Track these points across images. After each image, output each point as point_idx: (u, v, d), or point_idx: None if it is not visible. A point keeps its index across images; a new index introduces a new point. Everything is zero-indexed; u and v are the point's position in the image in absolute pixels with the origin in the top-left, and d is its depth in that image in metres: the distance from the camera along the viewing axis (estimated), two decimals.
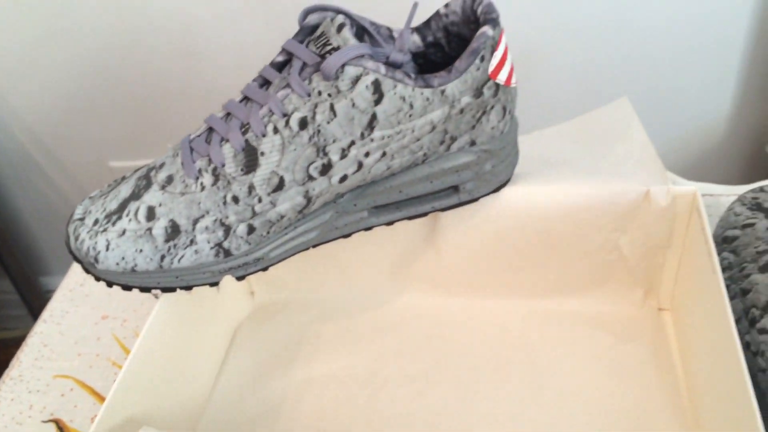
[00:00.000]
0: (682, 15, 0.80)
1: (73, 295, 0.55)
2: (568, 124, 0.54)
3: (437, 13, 0.40)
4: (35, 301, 1.19)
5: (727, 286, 0.43)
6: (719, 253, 0.45)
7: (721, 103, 0.88)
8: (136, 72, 0.93)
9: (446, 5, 0.40)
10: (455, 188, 0.41)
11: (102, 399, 0.47)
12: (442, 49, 0.41)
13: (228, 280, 0.49)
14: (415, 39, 0.41)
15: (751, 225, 0.45)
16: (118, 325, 0.52)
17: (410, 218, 0.42)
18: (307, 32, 0.38)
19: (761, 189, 0.49)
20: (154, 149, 0.99)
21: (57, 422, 0.46)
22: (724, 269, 0.44)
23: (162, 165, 0.38)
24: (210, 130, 0.38)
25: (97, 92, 0.95)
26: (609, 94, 0.82)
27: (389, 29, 0.40)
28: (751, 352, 0.39)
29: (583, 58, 0.84)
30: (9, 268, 1.13)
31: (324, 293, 0.51)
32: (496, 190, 0.43)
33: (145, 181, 0.38)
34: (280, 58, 0.38)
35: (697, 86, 0.86)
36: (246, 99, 0.38)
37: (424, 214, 0.42)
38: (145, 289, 0.38)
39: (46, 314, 0.54)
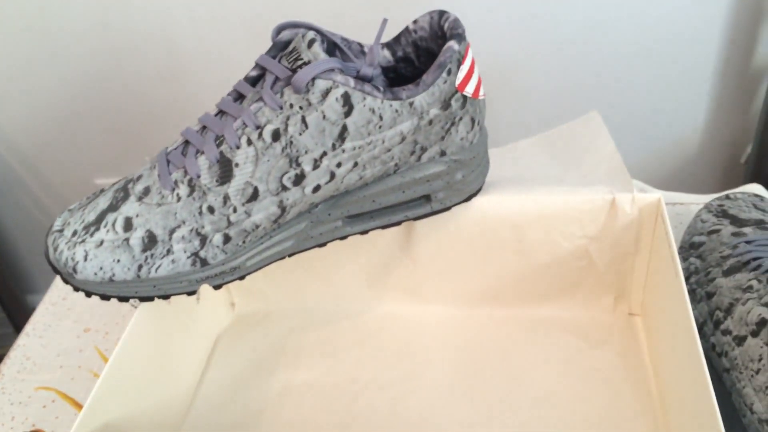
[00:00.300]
0: (655, 28, 0.82)
1: (56, 309, 0.56)
2: (540, 137, 0.55)
3: (406, 29, 0.42)
4: (21, 319, 1.18)
5: (693, 290, 0.44)
6: (686, 259, 0.47)
7: (695, 115, 0.90)
8: (121, 91, 0.94)
9: (415, 21, 0.41)
10: (427, 197, 0.42)
11: None
12: (412, 64, 0.43)
13: (208, 292, 0.50)
14: (386, 54, 0.42)
15: (717, 231, 0.46)
16: (100, 338, 0.53)
17: (384, 227, 0.43)
18: (280, 48, 0.39)
19: (727, 196, 0.50)
20: (139, 166, 1.00)
21: None
22: (690, 274, 0.45)
23: (139, 177, 0.40)
24: (186, 142, 0.39)
25: (82, 110, 0.96)
26: (583, 109, 0.84)
27: (360, 44, 0.41)
28: (716, 353, 0.40)
29: (557, 72, 0.86)
30: None
31: (303, 304, 0.52)
32: (468, 199, 0.44)
33: (123, 193, 0.39)
34: (254, 73, 0.39)
35: (672, 99, 0.88)
36: (221, 112, 0.39)
37: (398, 223, 0.43)
38: (123, 299, 0.39)
39: (28, 327, 0.54)
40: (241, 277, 0.41)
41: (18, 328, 1.18)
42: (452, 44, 0.38)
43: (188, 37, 0.88)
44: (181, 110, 0.95)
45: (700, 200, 0.57)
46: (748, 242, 0.43)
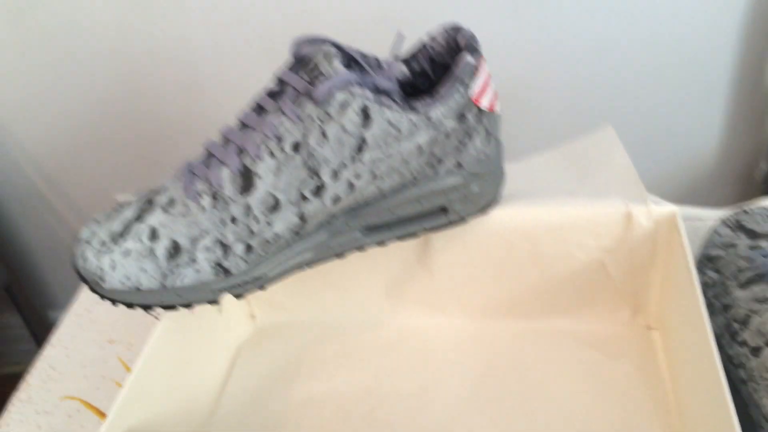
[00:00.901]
0: (670, 45, 0.83)
1: (80, 320, 0.57)
2: (555, 151, 0.56)
3: (422, 45, 0.43)
4: (44, 336, 1.20)
5: (711, 303, 0.44)
6: (703, 272, 0.47)
7: (709, 132, 0.90)
8: (141, 107, 0.96)
9: (431, 37, 0.42)
10: (444, 209, 0.43)
11: None
12: (428, 78, 0.44)
13: (229, 304, 0.50)
14: (403, 68, 0.43)
15: (733, 245, 0.46)
16: (123, 349, 0.54)
17: (401, 238, 0.44)
18: (299, 62, 0.40)
19: (743, 211, 0.50)
20: (160, 182, 1.01)
21: None
22: (707, 287, 0.45)
23: (164, 189, 0.41)
24: (209, 155, 0.40)
25: (104, 126, 0.98)
26: (597, 121, 0.84)
27: (377, 59, 0.42)
28: (733, 364, 0.40)
29: (571, 90, 0.87)
30: (19, 304, 1.15)
31: (322, 316, 0.53)
32: (484, 211, 0.44)
33: (148, 204, 0.40)
34: (274, 87, 0.40)
35: (686, 116, 0.88)
36: (242, 125, 0.40)
37: (415, 235, 0.44)
38: (147, 307, 0.40)
39: (53, 338, 0.55)
40: (262, 287, 0.42)
41: (40, 343, 1.20)
42: (466, 57, 0.39)
43: (207, 55, 0.90)
44: (200, 127, 0.97)
45: (716, 215, 0.57)
46: (765, 255, 0.43)
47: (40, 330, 1.19)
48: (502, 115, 0.51)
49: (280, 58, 0.88)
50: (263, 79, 0.89)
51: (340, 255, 0.43)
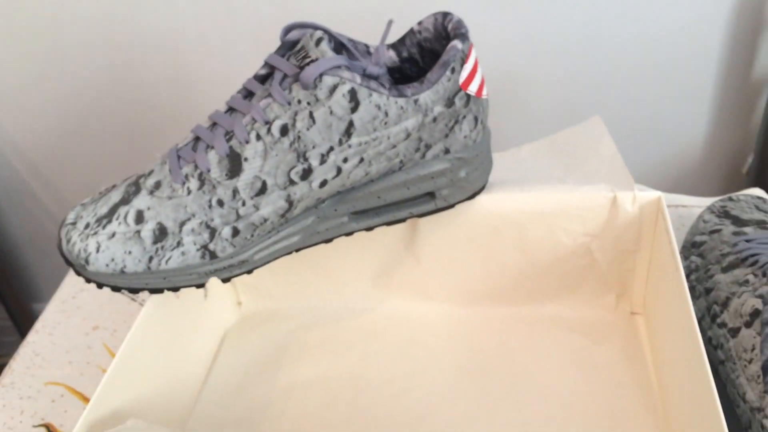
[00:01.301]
0: (658, 39, 0.83)
1: (65, 307, 0.56)
2: (543, 141, 0.56)
3: (411, 30, 0.43)
4: (27, 328, 1.19)
5: (693, 287, 0.45)
6: (687, 257, 0.47)
7: (697, 125, 0.91)
8: (127, 98, 0.95)
9: (419, 23, 0.42)
10: (431, 194, 0.43)
11: None
12: (417, 64, 0.44)
13: (215, 289, 0.50)
14: (391, 54, 0.43)
15: (718, 231, 0.47)
16: (108, 335, 0.54)
17: (389, 224, 0.44)
18: (288, 47, 0.40)
19: (729, 198, 0.51)
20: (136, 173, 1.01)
21: (47, 427, 0.47)
22: (690, 272, 0.46)
23: (151, 172, 0.41)
24: (196, 138, 0.40)
25: (89, 117, 0.97)
26: (585, 118, 0.85)
27: (366, 45, 0.42)
28: (712, 345, 0.41)
29: (560, 82, 0.87)
30: (3, 295, 1.14)
31: (308, 302, 0.53)
32: (471, 197, 0.45)
33: (135, 187, 0.40)
34: (263, 71, 0.40)
35: (674, 109, 0.89)
36: (230, 109, 0.40)
37: (402, 220, 0.44)
38: (133, 291, 0.40)
39: (38, 325, 0.55)
40: (249, 271, 0.42)
41: (23, 336, 1.19)
42: (456, 43, 0.39)
43: (194, 46, 0.89)
44: (188, 118, 0.97)
45: (702, 203, 0.57)
46: (748, 240, 0.44)
47: (24, 322, 1.18)
48: (490, 102, 0.51)
49: (268, 49, 0.88)
50: (251, 70, 0.89)
51: (327, 240, 0.43)
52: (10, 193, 1.07)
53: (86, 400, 0.48)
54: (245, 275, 0.43)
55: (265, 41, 0.87)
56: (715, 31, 0.83)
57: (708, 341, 0.41)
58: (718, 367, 0.40)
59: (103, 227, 0.39)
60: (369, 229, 0.44)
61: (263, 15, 0.85)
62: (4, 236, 1.14)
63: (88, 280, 0.40)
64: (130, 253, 0.39)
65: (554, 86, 0.88)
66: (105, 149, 1.01)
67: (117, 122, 0.98)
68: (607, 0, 0.81)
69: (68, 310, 0.56)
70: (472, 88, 0.41)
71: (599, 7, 0.81)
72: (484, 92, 0.42)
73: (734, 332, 0.38)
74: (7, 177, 1.05)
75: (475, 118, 0.42)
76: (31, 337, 0.54)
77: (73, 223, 0.40)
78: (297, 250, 0.43)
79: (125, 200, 0.40)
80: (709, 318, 0.41)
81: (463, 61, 0.39)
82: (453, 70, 0.39)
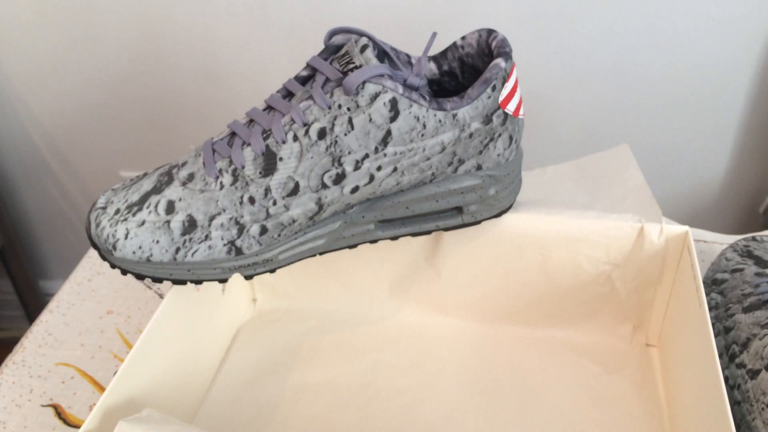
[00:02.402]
0: (685, 73, 0.83)
1: (81, 289, 0.57)
2: (569, 164, 0.56)
3: (454, 45, 0.43)
4: (33, 304, 1.20)
5: (712, 324, 0.44)
6: (708, 294, 0.47)
7: (718, 161, 0.91)
8: (155, 86, 0.96)
9: (463, 38, 0.43)
10: (459, 209, 0.43)
11: (102, 388, 0.48)
12: (456, 79, 0.44)
13: (231, 286, 0.50)
14: (432, 67, 0.43)
15: (740, 270, 0.47)
16: (122, 321, 0.54)
17: (414, 235, 0.44)
18: (332, 51, 0.40)
19: (753, 238, 0.51)
20: (165, 162, 1.01)
21: (56, 407, 0.47)
22: (710, 309, 0.46)
23: (184, 163, 0.41)
24: (233, 134, 0.40)
25: (115, 104, 0.98)
26: (609, 141, 0.85)
27: (408, 55, 0.43)
28: (728, 385, 0.40)
29: (585, 109, 0.87)
30: (11, 269, 1.15)
31: (324, 304, 0.53)
32: (498, 215, 0.45)
33: (167, 177, 0.40)
34: (304, 73, 0.40)
35: (696, 143, 0.89)
36: (269, 108, 0.40)
37: (428, 232, 0.44)
38: (157, 280, 0.40)
39: (52, 305, 0.55)
40: (272, 270, 0.42)
41: (28, 311, 1.19)
42: (499, 61, 0.39)
43: (226, 43, 0.90)
44: (214, 114, 0.97)
45: (724, 240, 0.57)
46: None
47: (29, 298, 1.19)
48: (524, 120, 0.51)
49: (298, 50, 0.88)
50: (280, 70, 0.90)
51: (352, 246, 0.44)
52: (29, 170, 1.08)
53: (96, 383, 0.49)
54: (266, 273, 0.43)
55: (297, 41, 0.88)
56: (744, 69, 0.83)
57: (725, 380, 0.41)
58: (733, 407, 0.40)
59: (134, 214, 0.39)
60: (394, 238, 0.44)
61: (296, 15, 0.86)
62: (18, 211, 1.15)
63: (113, 266, 0.40)
64: (157, 242, 0.39)
65: (580, 111, 0.88)
66: (126, 136, 1.01)
67: (141, 112, 0.98)
68: (639, 30, 0.81)
69: (83, 292, 0.56)
70: (511, 107, 0.41)
71: (632, 37, 0.81)
72: (521, 112, 0.42)
73: (753, 374, 0.38)
74: (26, 152, 1.06)
75: (510, 137, 0.42)
76: (45, 316, 0.54)
77: (104, 208, 0.40)
78: (321, 254, 0.43)
79: (157, 189, 0.40)
80: (727, 357, 0.41)
81: (505, 80, 0.40)
82: (494, 88, 0.39)
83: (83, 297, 0.56)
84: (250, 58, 0.91)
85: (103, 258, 0.40)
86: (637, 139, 0.89)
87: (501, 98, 0.40)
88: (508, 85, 0.40)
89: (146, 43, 0.91)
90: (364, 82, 0.37)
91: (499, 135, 0.41)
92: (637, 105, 0.86)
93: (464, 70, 0.43)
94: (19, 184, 1.10)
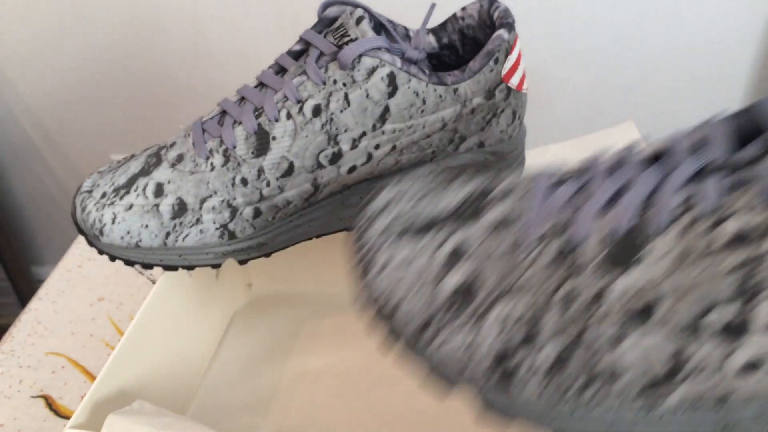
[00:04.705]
0: (690, 46, 0.82)
1: (71, 276, 0.55)
2: (571, 142, 0.55)
3: (453, 16, 0.41)
4: (25, 290, 1.18)
5: None
6: None
7: None
8: (144, 67, 0.93)
9: (463, 8, 0.41)
10: None
11: (93, 378, 0.47)
12: (456, 52, 0.42)
13: (225, 271, 0.49)
14: (431, 40, 0.41)
15: None
16: (113, 308, 0.52)
17: None
18: (326, 24, 0.38)
19: None
20: (156, 143, 0.99)
21: (46, 398, 0.45)
22: None
23: (173, 144, 0.39)
24: (223, 113, 0.39)
25: (104, 84, 0.96)
26: (612, 120, 0.83)
27: (405, 28, 0.41)
28: None
29: (590, 80, 0.85)
30: (2, 255, 1.13)
31: (322, 289, 0.51)
32: None
33: (155, 159, 0.39)
34: (297, 47, 0.39)
35: (701, 117, 0.87)
36: (261, 85, 0.38)
37: None
38: (147, 266, 0.38)
39: (41, 292, 0.54)
40: (267, 254, 0.40)
41: (21, 298, 1.17)
42: (502, 33, 0.37)
43: (216, 20, 0.87)
44: (205, 93, 0.95)
45: None
46: None
47: (22, 284, 1.17)
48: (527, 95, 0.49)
49: (291, 26, 0.86)
50: (273, 46, 0.87)
51: (350, 228, 0.42)
52: (17, 153, 1.05)
53: (87, 373, 0.47)
54: (263, 257, 0.41)
55: (288, 18, 0.85)
56: (748, 43, 0.81)
57: None
58: None
59: (121, 198, 0.37)
60: None
61: None
62: (7, 196, 1.13)
63: (101, 252, 0.38)
64: (146, 226, 0.37)
65: (582, 89, 0.86)
66: (116, 118, 0.99)
67: (131, 93, 0.96)
68: (642, 5, 0.79)
69: (73, 279, 0.55)
70: (514, 81, 0.39)
71: (634, 12, 0.79)
72: (525, 86, 0.40)
73: None
74: (15, 136, 1.03)
75: (514, 113, 0.40)
76: (34, 304, 0.53)
77: (89, 191, 0.38)
78: (318, 236, 0.42)
79: (145, 171, 0.38)
80: None
81: (508, 52, 0.38)
82: (496, 61, 0.37)
83: (73, 284, 0.54)
84: (242, 35, 0.88)
85: (90, 244, 0.39)
86: (640, 117, 0.87)
87: (504, 71, 0.38)
88: (511, 58, 0.38)
89: (135, 21, 0.89)
90: (360, 56, 0.35)
91: (502, 110, 0.39)
92: (641, 81, 0.84)
93: (465, 42, 0.41)
94: (8, 169, 1.08)
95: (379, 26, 0.39)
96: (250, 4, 0.85)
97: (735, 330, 0.22)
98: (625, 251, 0.23)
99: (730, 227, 0.22)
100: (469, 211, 0.27)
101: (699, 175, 0.24)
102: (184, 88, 0.95)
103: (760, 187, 0.22)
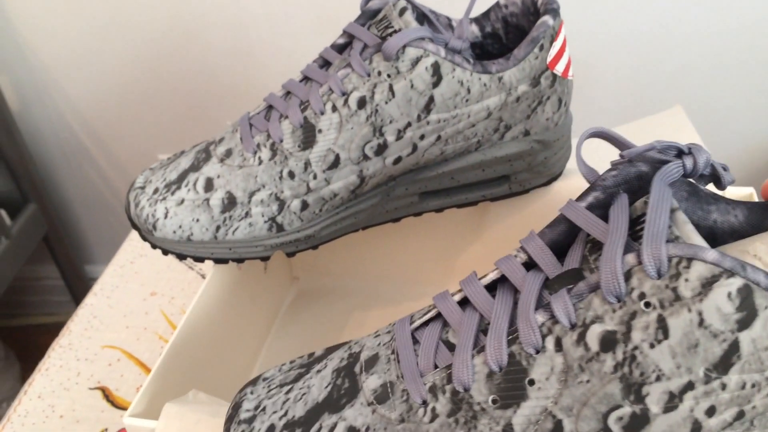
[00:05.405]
0: (738, 29, 0.79)
1: (124, 271, 0.56)
2: (622, 128, 0.54)
3: (497, 4, 0.41)
4: (79, 289, 1.22)
5: None
6: None
7: None
8: (187, 67, 0.95)
9: None
10: (506, 178, 0.41)
11: (148, 370, 0.48)
12: (500, 41, 0.42)
13: (272, 265, 0.50)
14: (474, 29, 0.41)
15: None
16: (165, 302, 0.53)
17: (460, 206, 0.42)
18: (369, 16, 0.38)
19: None
20: (205, 140, 1.01)
21: (103, 390, 0.47)
22: None
23: (221, 140, 0.40)
24: (269, 107, 0.39)
25: (150, 85, 0.98)
26: (657, 108, 0.81)
27: (448, 18, 0.40)
28: None
29: (635, 67, 0.84)
30: (56, 255, 1.16)
31: (367, 281, 0.52)
32: (548, 182, 0.43)
33: (205, 155, 0.39)
34: (341, 41, 0.39)
35: (751, 103, 0.85)
36: (306, 78, 0.39)
37: (475, 203, 0.42)
38: (198, 259, 0.39)
39: (96, 288, 0.55)
40: (314, 247, 0.41)
41: (75, 296, 1.21)
42: (546, 19, 0.37)
43: (258, 19, 0.88)
44: (248, 92, 0.96)
45: None
46: None
47: (75, 283, 1.20)
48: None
49: (330, 23, 0.86)
50: (312, 44, 0.88)
51: (395, 219, 0.42)
52: (68, 156, 1.08)
53: (142, 365, 0.48)
54: (311, 250, 0.41)
55: (329, 11, 0.86)
56: None
57: None
58: None
59: (172, 193, 0.38)
60: (439, 210, 0.42)
61: None
62: (60, 197, 1.16)
63: (154, 246, 0.39)
64: (197, 221, 0.38)
65: (627, 76, 0.84)
66: (163, 118, 1.01)
67: (177, 92, 0.98)
68: None
69: (126, 274, 0.56)
70: (559, 68, 0.38)
71: None
72: (570, 73, 0.40)
73: None
74: (65, 139, 1.06)
75: (560, 100, 0.40)
76: (90, 299, 0.54)
77: (142, 187, 0.39)
78: (364, 228, 0.42)
79: (195, 167, 0.39)
80: None
81: (553, 39, 0.37)
82: (542, 48, 0.37)
83: (126, 279, 0.56)
84: (282, 32, 0.89)
85: (144, 238, 0.40)
86: (687, 105, 0.85)
87: (549, 58, 0.38)
88: (557, 44, 0.38)
89: (177, 23, 0.90)
90: (404, 46, 0.35)
91: (548, 98, 0.39)
92: (686, 68, 0.82)
93: (508, 30, 0.41)
94: (59, 171, 1.11)
95: (422, 17, 0.39)
96: (289, 2, 0.86)
97: (639, 422, 0.23)
98: (511, 384, 0.24)
99: (597, 332, 0.23)
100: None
101: (544, 296, 0.25)
102: (226, 86, 0.96)
103: (601, 294, 0.23)
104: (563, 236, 0.27)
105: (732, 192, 0.41)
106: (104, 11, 0.91)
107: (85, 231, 1.21)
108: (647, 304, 0.22)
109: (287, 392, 0.28)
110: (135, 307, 0.53)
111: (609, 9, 0.79)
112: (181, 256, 0.39)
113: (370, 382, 0.26)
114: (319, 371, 0.28)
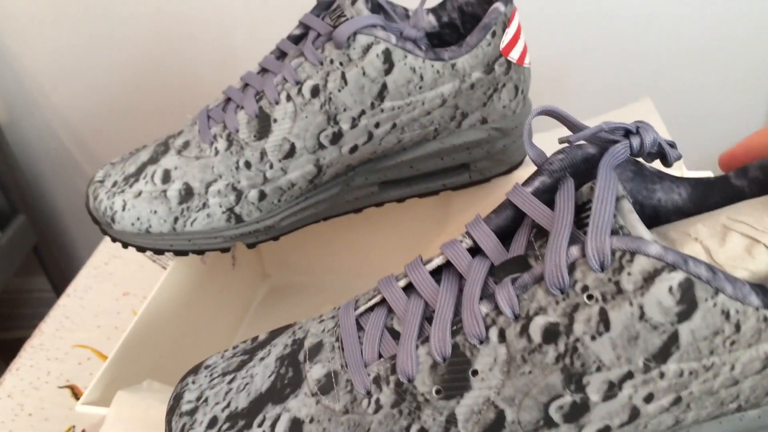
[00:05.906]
0: (718, 18, 0.80)
1: (97, 273, 0.57)
2: (592, 120, 0.54)
3: None
4: None
5: None
6: None
7: (756, 113, 0.87)
8: (173, 77, 0.96)
9: None
10: (466, 166, 0.42)
11: None
12: (457, 30, 0.42)
13: (242, 261, 0.50)
14: (431, 19, 0.42)
15: None
16: (138, 302, 0.53)
17: (421, 196, 0.42)
18: (324, 7, 0.39)
19: None
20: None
21: (72, 388, 0.47)
22: None
23: (180, 133, 0.40)
24: (227, 99, 0.39)
25: (136, 95, 0.98)
26: (634, 98, 0.82)
27: (405, 9, 0.41)
28: None
29: (613, 55, 0.84)
30: (46, 266, 1.17)
31: (338, 277, 0.52)
32: (509, 171, 0.43)
33: (163, 147, 0.40)
34: (297, 32, 0.39)
35: (732, 94, 0.85)
36: (263, 70, 0.39)
37: (436, 192, 0.42)
38: (158, 252, 0.39)
39: (70, 289, 0.55)
40: (275, 238, 0.41)
41: None
42: (498, 5, 0.37)
43: (241, 24, 0.89)
44: None
45: None
46: None
47: None
48: (535, 79, 0.49)
49: None
50: None
51: (356, 210, 0.42)
52: (55, 165, 1.09)
53: None
54: (272, 245, 0.42)
55: None
56: None
57: None
58: None
59: (130, 186, 0.38)
60: (400, 200, 0.42)
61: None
62: (50, 208, 1.16)
63: (114, 239, 0.39)
64: (155, 212, 0.38)
65: (604, 65, 0.85)
66: (149, 123, 1.01)
67: (163, 99, 0.98)
68: None
69: (100, 275, 0.56)
70: (514, 55, 0.39)
71: None
72: (527, 60, 0.40)
73: None
74: (54, 150, 1.07)
75: (516, 87, 0.40)
76: (63, 300, 0.54)
77: (101, 181, 0.40)
78: (325, 219, 0.42)
79: (153, 159, 0.39)
80: None
81: (506, 25, 0.38)
82: (494, 34, 0.37)
83: (100, 280, 0.56)
84: (266, 42, 0.90)
85: (104, 232, 0.40)
86: (667, 94, 0.85)
87: (503, 45, 0.38)
88: (510, 31, 0.38)
89: (163, 33, 0.91)
90: (355, 33, 0.36)
91: (503, 85, 0.39)
92: (666, 57, 0.82)
93: (465, 20, 0.41)
94: (48, 182, 1.12)
95: (378, 7, 0.39)
96: (272, 13, 0.86)
97: (579, 410, 0.23)
98: (455, 375, 0.24)
99: (540, 323, 0.23)
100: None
101: (489, 284, 0.25)
102: (215, 93, 0.97)
103: (544, 286, 0.23)
104: (509, 221, 0.27)
105: (689, 175, 0.41)
106: (92, 23, 0.92)
107: (75, 241, 1.21)
108: (590, 297, 0.22)
109: (230, 382, 0.27)
110: (107, 306, 0.53)
111: (587, 3, 0.80)
112: (141, 249, 0.39)
113: (314, 372, 0.26)
114: (262, 359, 0.28)
